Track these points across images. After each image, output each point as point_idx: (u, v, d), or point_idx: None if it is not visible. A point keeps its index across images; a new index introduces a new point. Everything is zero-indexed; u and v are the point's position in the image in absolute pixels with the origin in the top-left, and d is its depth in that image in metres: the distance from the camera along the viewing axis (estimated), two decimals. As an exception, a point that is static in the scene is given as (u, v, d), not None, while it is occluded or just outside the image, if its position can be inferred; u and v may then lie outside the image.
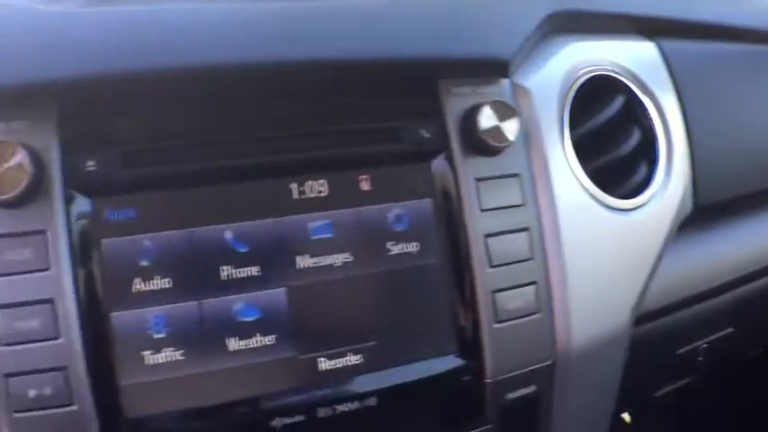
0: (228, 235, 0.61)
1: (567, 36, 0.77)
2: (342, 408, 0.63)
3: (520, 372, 0.68)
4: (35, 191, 0.57)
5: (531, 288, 0.68)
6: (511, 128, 0.65)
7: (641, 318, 0.77)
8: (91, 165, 0.59)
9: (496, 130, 0.65)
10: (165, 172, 0.61)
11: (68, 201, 0.58)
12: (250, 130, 0.63)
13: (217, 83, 0.61)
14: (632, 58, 0.80)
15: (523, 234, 0.68)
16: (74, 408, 0.57)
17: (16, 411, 0.56)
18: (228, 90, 0.63)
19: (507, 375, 0.68)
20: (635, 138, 0.77)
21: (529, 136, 0.69)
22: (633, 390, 0.81)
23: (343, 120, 0.65)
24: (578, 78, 0.74)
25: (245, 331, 0.61)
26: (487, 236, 0.66)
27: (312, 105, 0.65)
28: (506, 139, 0.65)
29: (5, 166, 0.55)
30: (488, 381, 0.67)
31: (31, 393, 0.56)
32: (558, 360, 0.70)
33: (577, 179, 0.71)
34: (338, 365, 0.63)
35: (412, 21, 0.66)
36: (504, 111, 0.65)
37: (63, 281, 0.57)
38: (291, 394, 0.62)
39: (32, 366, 0.56)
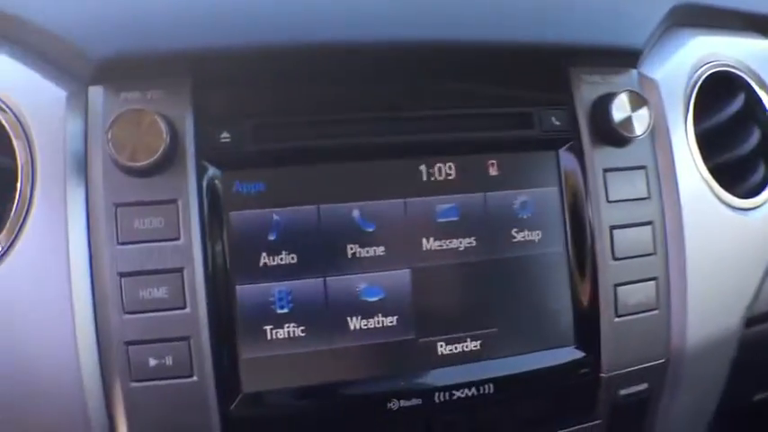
0: (356, 213, 0.61)
1: (687, 30, 0.75)
2: (458, 394, 0.62)
3: (634, 368, 0.67)
4: (168, 160, 0.57)
5: (652, 284, 0.66)
6: (642, 118, 0.64)
7: (751, 319, 0.75)
8: (224, 137, 0.58)
9: (628, 121, 0.63)
10: (296, 147, 0.60)
11: (200, 171, 0.58)
12: (383, 110, 0.62)
13: (352, 61, 0.61)
14: (752, 55, 0.78)
15: (647, 228, 0.66)
16: (194, 379, 0.57)
17: (134, 380, 0.56)
18: (364, 69, 0.62)
19: (622, 371, 0.66)
20: (755, 137, 0.75)
21: (655, 128, 0.68)
22: (731, 394, 0.79)
23: (475, 103, 0.64)
24: (704, 73, 0.72)
25: (367, 311, 0.61)
26: (613, 228, 0.65)
27: (444, 88, 0.64)
28: (637, 130, 0.64)
29: (141, 134, 0.54)
30: (603, 375, 0.66)
31: (152, 363, 0.56)
32: (671, 359, 0.68)
33: (701, 175, 0.70)
34: (457, 351, 0.62)
35: (546, 7, 0.64)
36: (635, 101, 0.64)
37: (192, 251, 0.57)
38: (410, 377, 0.62)
39: (155, 335, 0.56)
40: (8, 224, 0.56)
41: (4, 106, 0.57)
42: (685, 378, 0.70)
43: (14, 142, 0.57)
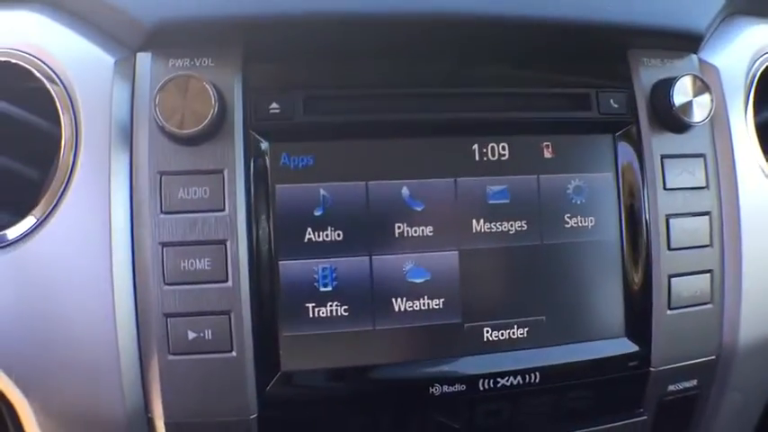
0: (405, 192, 0.59)
1: (747, 18, 0.72)
2: (503, 382, 0.59)
3: (684, 364, 0.64)
4: (216, 129, 0.55)
5: (707, 276, 0.64)
6: (703, 104, 0.61)
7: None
8: (274, 108, 0.57)
9: (689, 106, 0.61)
10: (346, 121, 0.58)
11: (248, 142, 0.56)
12: (437, 86, 0.60)
13: (408, 35, 0.59)
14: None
15: (705, 218, 0.64)
16: (232, 354, 0.55)
17: (172, 353, 0.54)
18: (419, 43, 0.60)
19: (672, 366, 0.64)
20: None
21: (715, 117, 0.65)
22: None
23: (532, 83, 0.62)
24: (764, 62, 0.69)
25: (412, 292, 0.59)
26: (669, 216, 0.62)
27: (501, 65, 0.62)
28: (698, 116, 0.61)
29: (189, 100, 0.53)
30: (653, 369, 0.63)
31: (191, 336, 0.54)
32: (722, 356, 0.66)
33: (760, 167, 0.67)
34: (503, 337, 0.60)
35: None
36: (697, 86, 0.61)
37: (237, 223, 0.55)
38: (453, 362, 0.59)
39: (196, 308, 0.54)
40: (50, 190, 0.55)
41: (51, 73, 0.56)
42: (735, 377, 0.67)
43: (59, 108, 0.56)
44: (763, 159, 0.67)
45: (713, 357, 0.65)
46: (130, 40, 0.57)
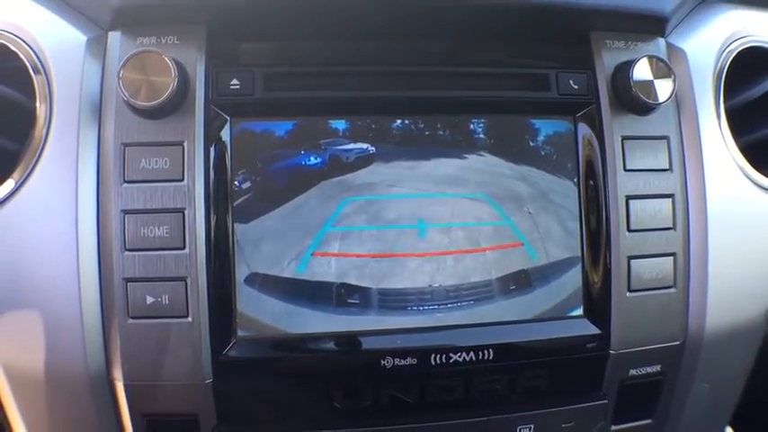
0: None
1: (722, 4, 0.68)
2: (455, 357, 0.57)
3: (646, 348, 0.60)
4: (178, 104, 0.54)
5: (669, 260, 0.60)
6: (665, 87, 0.58)
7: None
8: (234, 84, 0.56)
9: (649, 86, 0.57)
10: (305, 97, 0.57)
11: (208, 116, 0.55)
12: (394, 66, 0.59)
13: (366, 16, 0.57)
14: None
15: (667, 201, 0.60)
16: (188, 319, 0.54)
17: (131, 317, 0.53)
18: (377, 25, 0.58)
19: (633, 349, 0.60)
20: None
21: (681, 100, 0.61)
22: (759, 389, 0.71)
23: (489, 64, 0.60)
24: (737, 48, 0.65)
25: None
26: (629, 197, 0.59)
27: (458, 46, 0.60)
28: (659, 97, 0.58)
29: (150, 74, 0.52)
30: (613, 352, 0.59)
31: (149, 300, 0.53)
32: (688, 342, 0.62)
33: (729, 152, 0.63)
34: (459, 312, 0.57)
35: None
36: (659, 67, 0.58)
37: (195, 193, 0.54)
38: (406, 335, 0.57)
39: (153, 274, 0.54)
40: (23, 161, 0.55)
41: (29, 49, 0.56)
42: (703, 365, 0.63)
43: (35, 84, 0.56)
44: (734, 145, 0.63)
45: (678, 343, 0.61)
46: (101, 19, 0.57)
